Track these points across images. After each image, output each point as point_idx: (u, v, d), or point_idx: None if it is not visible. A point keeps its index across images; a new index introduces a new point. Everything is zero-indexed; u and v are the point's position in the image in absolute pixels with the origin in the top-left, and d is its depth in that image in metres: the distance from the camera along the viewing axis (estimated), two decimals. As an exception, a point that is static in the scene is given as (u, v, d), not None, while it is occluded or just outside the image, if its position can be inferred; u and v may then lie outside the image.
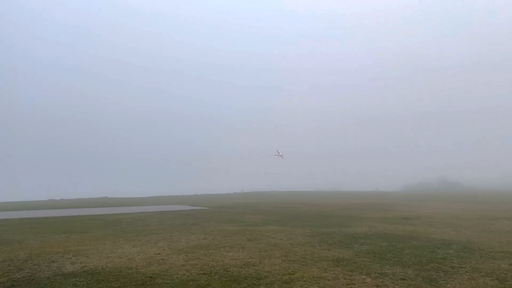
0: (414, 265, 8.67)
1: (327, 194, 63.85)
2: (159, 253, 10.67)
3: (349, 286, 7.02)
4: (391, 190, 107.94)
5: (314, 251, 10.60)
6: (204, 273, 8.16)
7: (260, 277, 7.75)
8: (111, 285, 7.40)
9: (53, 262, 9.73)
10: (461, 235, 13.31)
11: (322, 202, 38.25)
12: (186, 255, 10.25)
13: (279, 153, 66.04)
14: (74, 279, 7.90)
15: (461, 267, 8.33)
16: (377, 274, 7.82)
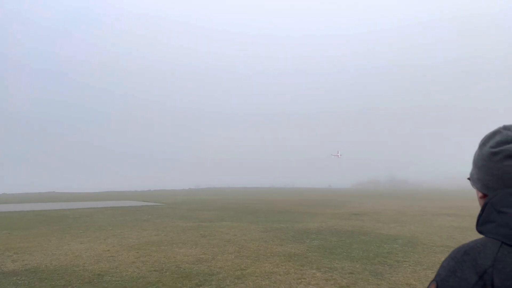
0: (362, 259, 9.01)
1: (281, 190, 64.79)
2: (108, 250, 10.33)
3: (299, 280, 7.17)
4: (343, 187, 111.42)
5: (267, 246, 10.71)
6: (155, 270, 8.00)
7: (212, 273, 7.71)
8: (55, 283, 7.06)
9: (-9, 260, 9.14)
10: (406, 230, 14.00)
11: (276, 198, 38.74)
12: (137, 252, 10.00)
13: (337, 153, 65.10)
14: (14, 278, 7.46)
15: (405, 261, 8.77)
16: (326, 269, 8.04)
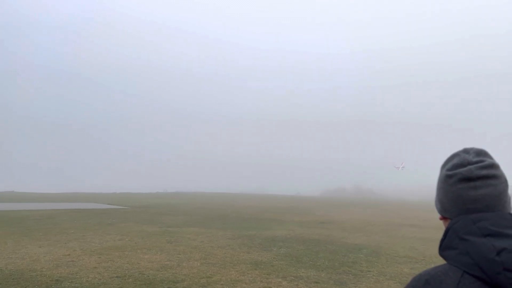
0: (328, 268, 9.09)
1: (251, 196, 64.75)
2: (69, 254, 9.95)
3: (265, 289, 7.15)
4: (311, 194, 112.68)
5: (234, 253, 10.64)
6: (117, 276, 7.76)
7: (176, 280, 7.57)
8: (9, 290, 6.72)
9: None
10: (371, 240, 14.27)
11: (245, 204, 38.64)
12: (99, 257, 9.68)
13: (401, 164, 62.76)
14: (-36, 284, 7.04)
15: (369, 271, 8.92)
16: (292, 277, 8.06)
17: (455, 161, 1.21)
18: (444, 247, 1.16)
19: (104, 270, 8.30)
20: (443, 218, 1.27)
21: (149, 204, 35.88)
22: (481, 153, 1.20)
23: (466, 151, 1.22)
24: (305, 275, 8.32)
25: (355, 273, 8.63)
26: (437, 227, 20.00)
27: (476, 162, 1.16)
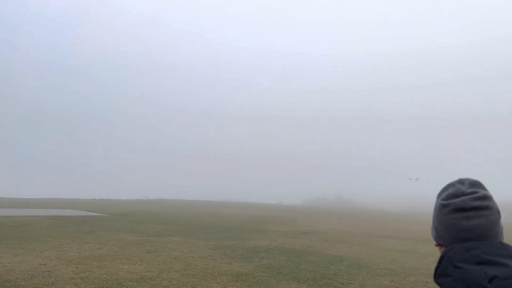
0: (309, 280, 9.08)
1: (233, 205, 64.44)
2: (45, 264, 9.67)
3: (246, 302, 7.08)
4: (293, 203, 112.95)
5: (215, 264, 10.53)
6: (94, 288, 7.57)
7: (156, 292, 7.43)
8: (-19, 302, 6.48)
9: None
10: (352, 252, 14.35)
11: (227, 213, 38.43)
12: (76, 267, 9.44)
13: (416, 176, 61.57)
14: None
15: (350, 283, 8.94)
16: (274, 290, 8.02)
17: (450, 191, 1.27)
18: (439, 274, 1.21)
19: (81, 281, 8.10)
20: (439, 245, 1.33)
21: (130, 211, 35.32)
22: (475, 185, 1.26)
23: (461, 181, 1.28)
24: (286, 287, 8.29)
25: (336, 286, 8.65)
26: (416, 239, 20.28)
27: (470, 193, 1.22)
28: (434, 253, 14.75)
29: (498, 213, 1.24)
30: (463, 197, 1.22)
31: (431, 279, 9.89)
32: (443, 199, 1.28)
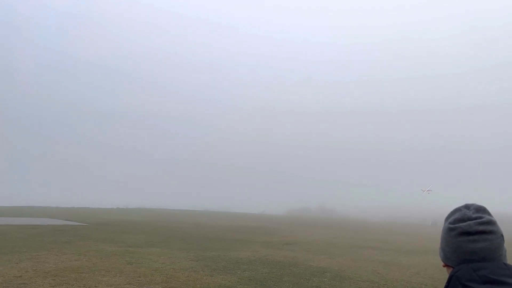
0: (292, 293, 9.02)
1: (215, 215, 63.87)
2: (20, 276, 9.35)
3: (229, 316, 6.96)
4: (276, 213, 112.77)
5: (197, 277, 10.37)
6: (72, 302, 7.33)
7: (136, 306, 7.24)
8: (-50, 318, 6.18)
9: None
10: (335, 263, 14.36)
11: (209, 223, 38.01)
12: (54, 279, 9.15)
13: (427, 188, 59.83)
14: None
15: (332, 296, 8.92)
16: (257, 303, 7.92)
17: (456, 215, 1.41)
18: None
19: (58, 294, 7.84)
20: (446, 265, 1.45)
21: (109, 220, 34.59)
22: (481, 210, 1.39)
23: (467, 207, 1.41)
24: (269, 300, 8.20)
25: (319, 299, 8.60)
26: (398, 251, 20.45)
27: (476, 218, 1.35)
28: (415, 265, 14.89)
29: (501, 237, 1.36)
30: (469, 222, 1.34)
31: (412, 292, 9.95)
32: (450, 223, 1.40)
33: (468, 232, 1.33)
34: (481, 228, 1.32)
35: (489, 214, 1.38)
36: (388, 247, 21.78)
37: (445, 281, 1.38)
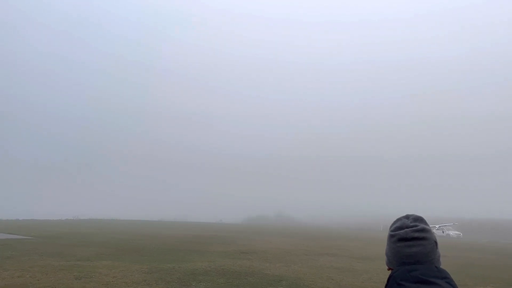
0: (248, 303, 8.92)
1: (170, 225, 62.46)
2: (-46, 297, 8.58)
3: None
4: (233, 221, 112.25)
5: (150, 290, 10.00)
6: (12, 323, 6.80)
7: (84, 325, 6.84)
8: None
9: None
10: (291, 271, 14.43)
11: (165, 234, 37.06)
12: (-8, 299, 8.48)
13: (443, 228, 55.46)
14: None
15: (288, 304, 8.91)
16: (212, 315, 7.74)
17: (397, 224, 1.64)
18: None
19: (-4, 315, 7.25)
20: (389, 268, 1.66)
21: (58, 233, 32.81)
22: (418, 219, 1.62)
23: (407, 217, 1.65)
24: (225, 312, 8.06)
25: (275, 308, 8.56)
26: (352, 256, 20.96)
27: (412, 226, 1.58)
28: (369, 271, 15.30)
29: (434, 243, 1.59)
30: (406, 229, 1.57)
31: (366, 297, 10.18)
32: (392, 231, 1.64)
33: (405, 238, 1.55)
34: (416, 235, 1.55)
35: (425, 223, 1.61)
36: (343, 254, 22.26)
37: None
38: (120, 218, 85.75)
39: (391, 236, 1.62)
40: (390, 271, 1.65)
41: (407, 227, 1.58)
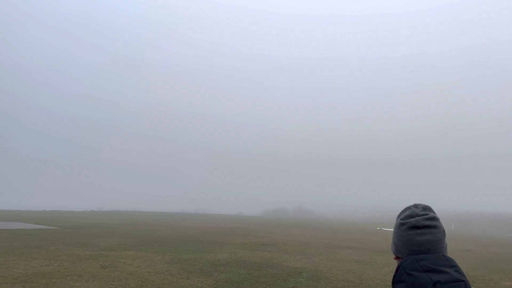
0: (269, 294, 9.01)
1: (192, 217, 63.30)
2: (-13, 283, 8.98)
3: (205, 319, 6.88)
4: (253, 214, 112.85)
5: (173, 280, 10.22)
6: (42, 309, 7.08)
7: (110, 312, 7.06)
8: None
9: None
10: (311, 263, 14.46)
11: (186, 225, 37.63)
12: (23, 286, 8.84)
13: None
14: None
15: (309, 296, 8.96)
16: (233, 305, 7.87)
17: (407, 213, 1.64)
18: (396, 281, 1.52)
19: (27, 301, 7.56)
20: (397, 257, 1.67)
21: (82, 224, 33.74)
22: (427, 208, 1.63)
23: (415, 206, 1.64)
24: (246, 302, 8.17)
25: (296, 299, 8.62)
26: (373, 250, 20.80)
27: (422, 215, 1.60)
28: (389, 264, 15.18)
29: (443, 232, 1.61)
30: (417, 217, 1.58)
31: (387, 290, 10.13)
32: (401, 219, 1.63)
33: (416, 226, 1.56)
34: (427, 223, 1.56)
35: (433, 212, 1.63)
36: (364, 247, 22.12)
37: None
38: (142, 210, 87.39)
39: (401, 224, 1.62)
40: (397, 260, 1.67)
41: (418, 215, 1.59)
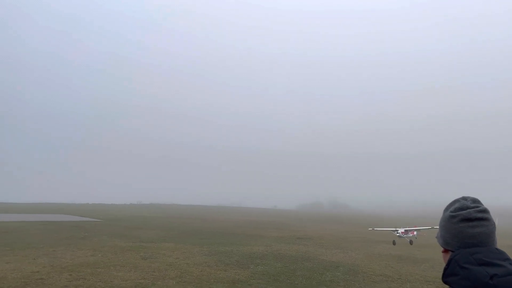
0: (305, 287, 9.02)
1: (228, 210, 64.19)
2: (38, 271, 9.52)
3: (243, 310, 7.00)
4: (288, 208, 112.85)
5: (211, 271, 10.44)
6: (89, 297, 7.45)
7: (152, 301, 7.33)
8: (-28, 312, 6.34)
9: None
10: (348, 258, 14.31)
11: (222, 218, 38.27)
12: (70, 274, 9.30)
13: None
14: None
15: (346, 290, 8.89)
16: (270, 297, 7.94)
17: (456, 205, 1.61)
18: (448, 274, 1.49)
19: (75, 289, 7.97)
20: (445, 250, 1.63)
21: (123, 216, 35.05)
22: (476, 201, 1.60)
23: (464, 198, 1.63)
24: (283, 294, 8.22)
25: (333, 293, 8.59)
26: (410, 245, 20.29)
27: (474, 207, 1.56)
28: (429, 259, 14.77)
29: (494, 225, 1.57)
30: (469, 210, 1.55)
31: (427, 285, 9.88)
32: (452, 212, 1.60)
33: (468, 218, 1.53)
34: (479, 215, 1.53)
35: (483, 204, 1.59)
36: (400, 242, 21.62)
37: None
38: (179, 203, 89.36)
39: (451, 217, 1.58)
40: (444, 253, 1.63)
41: (469, 208, 1.56)
